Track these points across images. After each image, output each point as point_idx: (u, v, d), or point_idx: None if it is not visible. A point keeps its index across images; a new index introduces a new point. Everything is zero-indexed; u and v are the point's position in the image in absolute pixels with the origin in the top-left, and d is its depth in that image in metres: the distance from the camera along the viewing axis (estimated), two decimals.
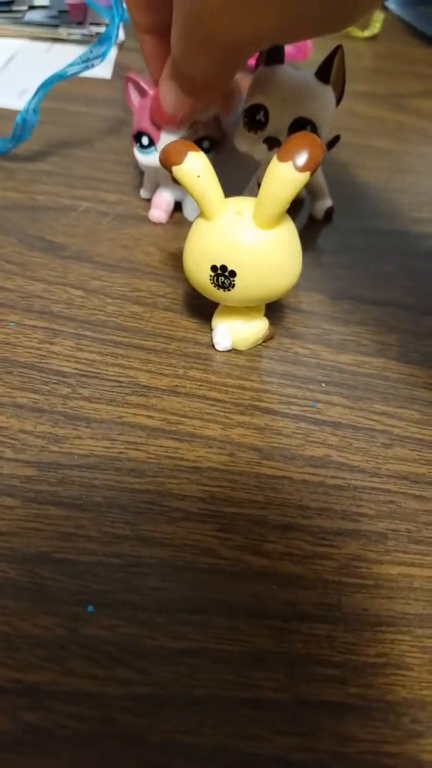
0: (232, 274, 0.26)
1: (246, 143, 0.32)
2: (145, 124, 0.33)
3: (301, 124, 0.31)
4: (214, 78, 0.29)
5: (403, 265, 0.36)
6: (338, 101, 0.33)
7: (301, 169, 0.23)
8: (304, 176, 0.23)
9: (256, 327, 0.29)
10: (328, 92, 0.31)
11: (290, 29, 0.25)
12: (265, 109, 0.31)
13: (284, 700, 0.19)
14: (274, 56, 0.31)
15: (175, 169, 0.25)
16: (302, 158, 0.23)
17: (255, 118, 0.31)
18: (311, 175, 0.23)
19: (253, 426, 0.26)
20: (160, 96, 0.31)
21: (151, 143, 0.33)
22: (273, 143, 0.31)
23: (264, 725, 0.18)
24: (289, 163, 0.23)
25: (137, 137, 0.33)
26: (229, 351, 0.29)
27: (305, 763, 0.18)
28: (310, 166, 0.23)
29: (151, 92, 0.33)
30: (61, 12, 0.54)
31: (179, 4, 0.25)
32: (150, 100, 0.32)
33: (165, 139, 0.32)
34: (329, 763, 0.18)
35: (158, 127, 0.32)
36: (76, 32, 0.53)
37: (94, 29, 0.54)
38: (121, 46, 0.54)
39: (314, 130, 0.31)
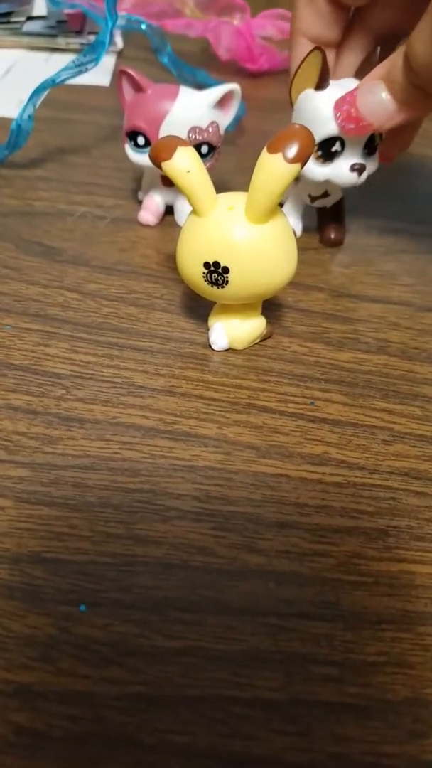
0: (225, 270, 0.25)
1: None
2: (141, 122, 0.32)
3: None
4: None
5: (403, 264, 0.35)
6: None
7: (292, 161, 0.23)
8: (295, 168, 0.23)
9: (254, 326, 0.29)
10: None
11: None
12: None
13: (280, 700, 0.19)
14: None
15: (165, 165, 0.25)
16: (292, 150, 0.23)
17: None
18: (302, 167, 0.23)
19: (250, 424, 0.26)
20: (361, 101, 0.29)
21: (147, 143, 0.33)
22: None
23: (259, 725, 0.18)
24: (279, 155, 0.23)
25: (131, 136, 0.33)
26: (226, 350, 0.29)
27: (301, 764, 0.17)
28: (301, 158, 0.23)
29: (149, 90, 0.32)
30: (59, 22, 0.54)
31: None
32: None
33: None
34: (326, 764, 0.17)
35: (155, 132, 0.32)
36: (75, 41, 0.53)
37: (93, 38, 0.54)
38: (120, 54, 0.54)
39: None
